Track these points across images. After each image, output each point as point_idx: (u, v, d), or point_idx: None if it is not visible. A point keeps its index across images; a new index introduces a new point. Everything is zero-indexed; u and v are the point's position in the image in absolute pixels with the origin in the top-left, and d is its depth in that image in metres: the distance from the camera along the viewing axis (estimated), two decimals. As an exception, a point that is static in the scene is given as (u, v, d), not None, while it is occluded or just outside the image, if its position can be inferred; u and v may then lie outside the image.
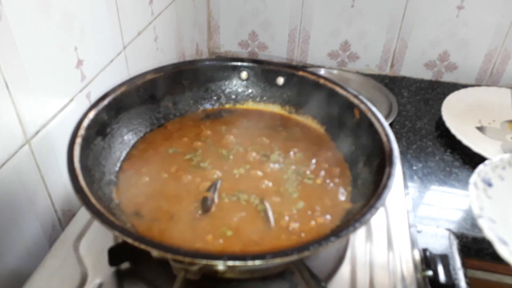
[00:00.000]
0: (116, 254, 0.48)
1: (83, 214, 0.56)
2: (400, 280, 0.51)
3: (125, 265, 0.50)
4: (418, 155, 0.93)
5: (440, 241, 0.74)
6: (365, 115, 0.54)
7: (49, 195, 0.60)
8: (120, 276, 0.49)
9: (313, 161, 0.56)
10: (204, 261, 0.36)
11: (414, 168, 0.89)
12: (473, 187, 0.57)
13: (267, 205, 0.49)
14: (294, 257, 0.36)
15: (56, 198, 0.61)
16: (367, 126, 0.54)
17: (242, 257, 0.36)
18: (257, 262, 0.35)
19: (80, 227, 0.54)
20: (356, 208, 0.48)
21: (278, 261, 0.36)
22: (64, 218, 0.64)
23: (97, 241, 0.52)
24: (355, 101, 0.56)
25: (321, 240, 0.37)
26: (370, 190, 0.48)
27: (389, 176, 0.45)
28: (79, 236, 0.53)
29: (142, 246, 0.36)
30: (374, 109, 0.54)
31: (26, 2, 0.50)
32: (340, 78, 1.16)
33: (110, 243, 0.52)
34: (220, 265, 0.36)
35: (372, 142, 0.52)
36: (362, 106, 0.55)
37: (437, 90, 1.16)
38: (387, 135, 0.50)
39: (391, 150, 0.48)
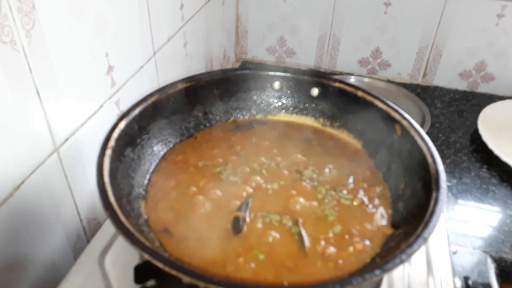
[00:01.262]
0: (142, 272, 0.46)
1: (109, 226, 0.54)
2: (441, 311, 0.47)
3: (150, 283, 0.48)
4: (452, 171, 0.89)
5: (476, 264, 0.71)
6: (408, 132, 0.51)
7: (75, 203, 0.59)
8: (145, 294, 0.47)
9: (350, 179, 0.53)
10: (239, 292, 0.33)
11: (448, 184, 0.85)
12: None
13: (301, 227, 0.46)
14: (336, 291, 0.33)
15: (82, 207, 0.60)
16: (410, 144, 0.50)
17: (280, 288, 0.33)
18: (297, 295, 0.33)
19: (105, 240, 0.52)
20: (398, 234, 0.45)
21: (318, 294, 0.33)
22: (89, 227, 0.63)
23: (122, 255, 0.51)
24: (397, 116, 0.53)
25: (365, 273, 0.35)
26: (414, 215, 0.44)
27: (436, 201, 0.41)
28: (104, 250, 0.51)
29: (174, 272, 0.34)
30: (417, 126, 0.51)
31: (61, 7, 0.49)
32: (370, 86, 1.12)
33: (135, 258, 0.50)
34: (256, 297, 0.33)
35: (415, 162, 0.49)
36: (404, 122, 0.52)
37: (472, 102, 1.11)
38: (432, 156, 0.47)
39: (437, 173, 0.45)
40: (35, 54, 0.47)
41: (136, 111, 0.51)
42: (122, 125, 0.49)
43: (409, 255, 0.37)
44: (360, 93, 0.57)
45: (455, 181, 0.86)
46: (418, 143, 0.49)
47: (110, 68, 0.61)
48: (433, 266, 0.53)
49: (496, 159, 0.86)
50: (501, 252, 0.71)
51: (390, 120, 0.54)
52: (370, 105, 0.56)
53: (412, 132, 0.51)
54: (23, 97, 0.46)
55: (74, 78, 0.54)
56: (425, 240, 0.38)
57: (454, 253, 0.71)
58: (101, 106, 0.60)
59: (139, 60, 0.68)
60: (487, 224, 0.76)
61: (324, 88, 0.61)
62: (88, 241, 0.62)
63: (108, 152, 0.45)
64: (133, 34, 0.65)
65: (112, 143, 0.46)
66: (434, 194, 0.43)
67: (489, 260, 0.71)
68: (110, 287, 0.47)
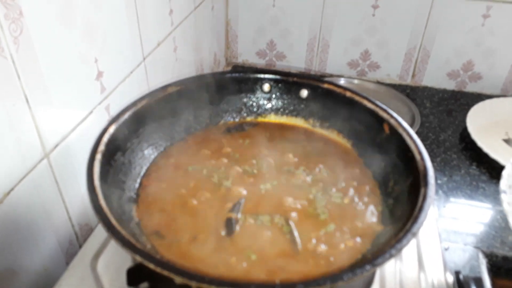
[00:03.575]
0: (134, 274, 0.46)
1: (101, 231, 0.54)
2: (433, 306, 0.48)
3: (143, 285, 0.48)
4: (442, 169, 0.90)
5: (468, 260, 0.71)
6: (396, 131, 0.51)
7: (66, 209, 0.59)
8: (138, 297, 0.47)
9: (341, 178, 0.53)
10: (231, 290, 0.34)
11: (439, 182, 0.86)
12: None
13: (293, 226, 0.46)
14: (327, 287, 0.34)
15: (73, 212, 0.60)
16: (398, 142, 0.51)
17: (271, 286, 0.33)
18: (288, 292, 0.33)
19: (97, 244, 0.52)
20: (388, 230, 0.45)
21: (309, 291, 0.34)
22: (81, 233, 0.62)
23: (115, 259, 0.50)
24: (385, 115, 0.54)
25: (356, 268, 0.35)
26: (403, 212, 0.45)
27: (424, 197, 0.42)
28: (97, 254, 0.51)
29: (165, 273, 0.34)
30: (405, 124, 0.51)
31: (49, 13, 0.49)
32: (360, 88, 1.13)
33: (128, 261, 0.50)
34: (248, 295, 0.34)
35: (404, 160, 0.49)
36: (392, 121, 0.53)
37: (460, 101, 1.12)
38: (420, 153, 0.47)
39: (425, 169, 0.45)
40: (23, 61, 0.47)
41: (126, 115, 0.51)
42: (112, 129, 0.49)
43: (399, 250, 0.37)
44: (348, 94, 0.58)
45: (445, 179, 0.87)
46: (406, 141, 0.50)
47: (100, 74, 0.61)
48: (424, 263, 0.53)
49: (485, 156, 0.87)
50: (492, 247, 0.72)
51: (378, 119, 0.55)
52: (359, 105, 0.57)
53: (400, 130, 0.51)
54: (12, 103, 0.46)
55: (63, 84, 0.54)
56: (414, 234, 0.38)
57: (446, 249, 0.72)
58: (91, 112, 0.60)
59: (128, 65, 0.69)
60: (478, 221, 0.77)
61: (313, 90, 0.62)
62: (80, 247, 0.62)
63: (98, 156, 0.45)
64: (122, 40, 0.66)
65: (102, 147, 0.46)
66: (422, 190, 0.43)
67: (480, 256, 0.72)
68: (103, 292, 0.47)
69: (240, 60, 1.25)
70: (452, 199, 0.82)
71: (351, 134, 0.60)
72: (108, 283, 0.48)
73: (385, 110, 0.54)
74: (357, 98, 0.57)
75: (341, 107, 0.59)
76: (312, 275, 0.40)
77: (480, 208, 0.80)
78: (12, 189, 0.49)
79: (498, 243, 0.73)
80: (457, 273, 0.54)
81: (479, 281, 0.54)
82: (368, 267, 0.35)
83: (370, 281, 0.48)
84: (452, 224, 0.77)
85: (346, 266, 0.41)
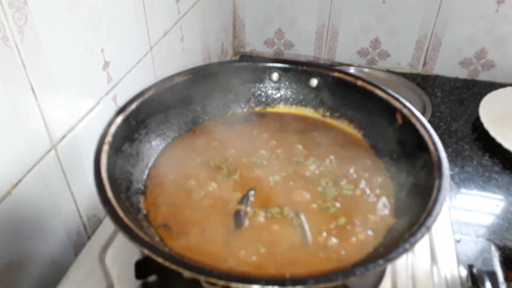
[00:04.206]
0: (143, 267, 0.46)
1: (109, 223, 0.53)
2: (446, 300, 0.47)
3: (152, 278, 0.47)
4: (454, 159, 0.88)
5: (480, 252, 0.70)
6: (409, 121, 0.50)
7: (74, 200, 0.58)
8: (147, 290, 0.47)
9: (352, 170, 0.52)
10: (240, 285, 0.33)
11: (450, 173, 0.84)
12: None
13: (303, 219, 0.46)
14: (339, 282, 0.33)
15: (81, 204, 0.60)
16: (411, 132, 0.50)
17: (282, 281, 0.33)
18: None
19: (106, 236, 0.52)
20: (401, 223, 0.44)
21: (321, 286, 0.33)
22: (90, 224, 0.62)
23: (123, 251, 0.50)
24: (397, 104, 0.52)
25: (368, 263, 0.34)
26: (417, 204, 0.44)
27: (439, 189, 0.41)
28: (105, 246, 0.51)
29: (174, 267, 0.34)
30: (418, 114, 0.50)
31: (54, 2, 0.48)
32: (370, 76, 1.11)
33: (136, 253, 0.49)
34: (258, 289, 0.33)
35: (417, 151, 0.48)
36: (405, 111, 0.51)
37: (472, 90, 1.10)
38: (434, 144, 0.46)
39: (439, 160, 0.44)
40: (28, 50, 0.46)
41: (133, 106, 0.50)
42: (119, 120, 0.48)
43: (413, 244, 0.36)
44: (359, 83, 0.57)
45: (457, 170, 0.85)
46: (420, 131, 0.48)
47: (106, 64, 0.60)
48: (437, 255, 0.52)
49: (498, 146, 0.85)
50: (505, 240, 0.71)
51: (390, 109, 0.53)
52: (370, 94, 0.56)
53: (413, 120, 0.50)
54: (18, 93, 0.46)
55: (69, 74, 0.53)
56: (429, 228, 0.37)
57: (458, 241, 0.70)
58: (98, 102, 0.60)
59: (135, 55, 0.68)
60: (490, 212, 0.76)
61: (323, 78, 0.60)
62: (88, 238, 0.62)
63: (106, 147, 0.44)
64: (128, 29, 0.65)
65: (109, 138, 0.46)
66: (436, 182, 0.42)
67: (493, 248, 0.70)
68: (111, 284, 0.47)
69: (247, 49, 1.23)
70: (464, 190, 0.81)
71: (362, 124, 0.58)
72: (116, 275, 0.48)
73: (397, 99, 0.53)
74: (368, 87, 0.55)
75: (352, 96, 0.58)
76: (323, 270, 0.39)
77: (493, 200, 0.79)
78: (20, 181, 0.48)
79: (511, 235, 0.71)
80: (470, 267, 0.53)
81: (493, 275, 0.53)
82: (381, 262, 0.34)
83: (381, 274, 0.48)
84: (464, 216, 0.75)
85: (357, 260, 0.41)
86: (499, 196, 0.79)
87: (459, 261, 0.53)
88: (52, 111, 0.51)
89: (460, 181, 0.83)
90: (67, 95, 0.53)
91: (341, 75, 0.58)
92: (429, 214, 0.39)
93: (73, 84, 0.54)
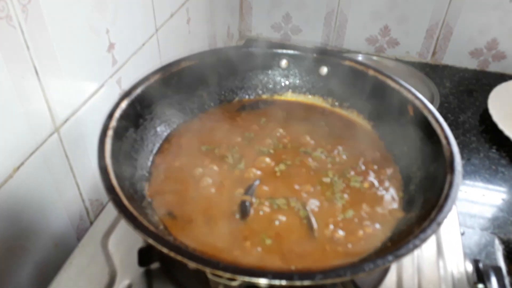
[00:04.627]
0: (146, 255, 0.46)
1: (112, 208, 0.53)
2: (452, 294, 0.46)
3: (155, 265, 0.47)
4: (460, 151, 0.85)
5: (484, 246, 0.70)
6: (421, 113, 0.49)
7: (77, 184, 0.58)
8: (150, 277, 0.46)
9: (360, 161, 0.51)
10: (246, 278, 0.32)
11: (460, 166, 0.83)
12: None
13: (310, 211, 0.45)
14: (347, 278, 0.32)
15: (84, 188, 0.59)
16: (423, 125, 0.48)
17: (289, 275, 0.32)
18: (306, 283, 0.32)
19: (108, 221, 0.51)
20: (409, 218, 0.43)
21: (329, 281, 0.32)
22: (92, 208, 0.62)
23: (126, 237, 0.50)
24: (409, 96, 0.51)
25: (377, 259, 0.33)
26: (427, 199, 0.43)
27: (451, 185, 0.40)
28: (108, 232, 0.50)
29: (179, 258, 0.33)
30: (430, 106, 0.49)
31: (57, -20, 0.47)
32: (378, 65, 1.09)
33: (139, 240, 0.49)
34: (264, 284, 0.32)
35: (428, 144, 0.47)
36: (417, 102, 0.50)
37: (482, 81, 1.08)
38: (446, 137, 0.45)
39: (452, 155, 0.43)
40: (32, 31, 0.45)
41: (138, 90, 0.49)
42: (124, 104, 0.47)
43: (423, 240, 0.35)
44: (371, 72, 0.55)
45: (463, 162, 0.84)
46: (432, 124, 0.47)
47: (111, 46, 0.58)
48: (443, 249, 0.51)
49: (506, 139, 0.84)
50: (509, 234, 0.70)
51: (402, 100, 0.52)
52: (382, 84, 0.54)
53: (426, 112, 0.49)
54: (21, 75, 0.45)
55: (73, 56, 0.52)
56: (439, 224, 0.37)
57: (462, 234, 0.70)
58: (102, 85, 0.58)
59: (141, 37, 0.66)
60: (495, 206, 0.75)
61: (333, 67, 0.59)
62: (91, 222, 0.61)
63: (110, 132, 0.43)
64: (134, 10, 0.63)
65: (114, 123, 0.45)
66: (448, 177, 0.41)
67: (497, 242, 0.70)
68: (114, 270, 0.46)
69: (254, 33, 1.21)
70: (469, 182, 0.80)
71: (372, 115, 0.57)
72: (119, 261, 0.47)
73: (409, 91, 0.51)
74: (380, 77, 0.54)
75: (363, 86, 0.56)
76: (329, 263, 0.38)
77: (499, 193, 0.78)
78: (22, 164, 0.47)
79: (517, 229, 0.71)
80: (476, 262, 0.53)
81: (498, 270, 0.52)
82: (390, 258, 0.34)
83: (387, 268, 0.47)
84: (469, 208, 0.75)
85: (365, 254, 0.40)
86: (505, 190, 0.78)
87: (465, 256, 0.52)
88: (55, 93, 0.50)
89: (466, 173, 0.82)
90: (71, 77, 0.52)
91: (352, 64, 0.56)
92: (440, 210, 0.38)
93: (77, 66, 0.53)
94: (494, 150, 0.87)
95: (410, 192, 0.47)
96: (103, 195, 0.63)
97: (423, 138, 0.48)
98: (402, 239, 0.37)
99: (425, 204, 0.42)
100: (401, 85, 0.52)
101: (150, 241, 0.34)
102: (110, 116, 0.45)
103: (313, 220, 0.44)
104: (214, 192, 0.47)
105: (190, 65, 0.54)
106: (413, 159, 0.49)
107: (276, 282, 0.32)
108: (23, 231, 0.50)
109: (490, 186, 0.79)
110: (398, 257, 0.34)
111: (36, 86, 0.47)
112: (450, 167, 0.42)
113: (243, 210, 0.44)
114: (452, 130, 0.90)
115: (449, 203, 0.38)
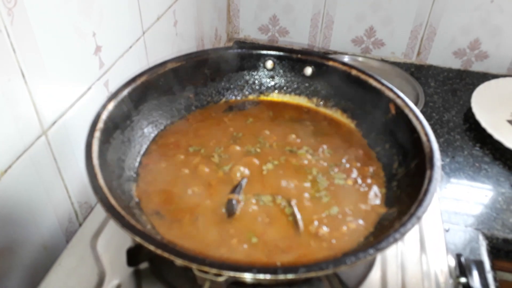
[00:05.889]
0: (135, 255, 0.46)
1: (100, 209, 0.53)
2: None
3: (144, 265, 0.48)
4: (445, 149, 0.89)
5: (468, 241, 0.71)
6: (402, 111, 0.50)
7: (65, 187, 0.58)
8: (138, 277, 0.47)
9: (344, 159, 0.52)
10: (231, 273, 0.33)
11: (441, 163, 0.85)
12: None
13: (295, 208, 0.46)
14: (329, 271, 0.33)
15: (72, 190, 0.59)
16: (404, 123, 0.50)
17: (273, 270, 0.33)
18: (289, 276, 0.33)
19: (97, 223, 0.52)
20: (392, 213, 0.45)
21: (312, 275, 0.33)
22: (81, 211, 0.62)
23: (114, 238, 0.50)
24: (391, 95, 0.52)
25: (359, 252, 0.34)
26: (407, 194, 0.44)
27: (430, 180, 0.41)
28: (96, 233, 0.50)
29: (166, 255, 0.34)
30: (411, 104, 0.50)
31: (43, -16, 0.47)
32: (364, 65, 1.11)
33: (128, 240, 0.49)
34: (249, 278, 0.33)
35: (409, 141, 0.48)
36: (398, 101, 0.51)
37: (465, 80, 1.10)
38: (426, 134, 0.46)
39: (431, 151, 0.44)
40: (18, 34, 0.45)
41: (125, 92, 0.50)
42: (110, 106, 0.47)
43: (403, 234, 0.36)
44: (354, 72, 0.56)
45: (448, 160, 0.86)
46: (412, 121, 0.49)
47: (98, 48, 0.59)
48: (426, 245, 0.53)
49: (489, 137, 0.86)
50: (493, 230, 0.72)
51: (384, 99, 0.53)
52: (364, 84, 0.56)
53: (407, 110, 0.50)
54: (7, 78, 0.45)
55: (60, 58, 0.52)
56: (419, 218, 0.38)
57: (447, 231, 0.71)
58: (89, 88, 0.59)
59: (127, 40, 0.67)
60: (479, 202, 0.77)
61: (317, 67, 0.60)
62: (80, 225, 0.61)
63: (97, 134, 0.44)
64: (120, 13, 0.63)
65: (100, 125, 0.45)
66: (428, 173, 0.42)
67: (481, 237, 0.72)
68: (103, 271, 0.47)
69: (241, 35, 1.22)
70: (454, 180, 0.81)
71: (356, 114, 0.58)
72: (108, 262, 0.48)
73: (391, 90, 0.53)
74: (363, 76, 0.55)
75: (346, 85, 0.58)
76: (314, 258, 0.39)
77: (482, 190, 0.79)
78: (9, 167, 0.48)
79: (499, 225, 0.72)
80: (458, 256, 0.54)
81: (480, 264, 0.54)
82: (371, 251, 0.35)
83: (371, 263, 0.48)
84: (453, 205, 0.76)
85: (348, 249, 0.41)
86: (488, 187, 0.80)
87: (447, 251, 0.53)
88: (42, 96, 0.50)
89: (451, 171, 0.83)
90: (58, 80, 0.52)
91: (336, 64, 0.58)
92: (419, 204, 0.39)
93: (64, 69, 0.53)
94: (477, 148, 0.89)
95: (392, 188, 0.48)
96: (92, 198, 0.64)
97: (404, 135, 0.50)
98: (383, 233, 0.38)
99: (406, 199, 0.43)
100: (382, 84, 0.53)
101: (138, 239, 0.35)
102: (97, 117, 0.45)
103: (298, 216, 0.45)
104: (201, 191, 0.48)
105: (176, 66, 0.55)
106: (395, 156, 0.50)
107: (261, 276, 0.33)
108: (12, 234, 0.50)
109: (474, 183, 0.81)
110: (378, 250, 0.35)
111: (23, 89, 0.47)
112: (429, 162, 0.43)
113: (230, 209, 0.45)
114: (437, 129, 0.93)
115: (428, 198, 0.39)
